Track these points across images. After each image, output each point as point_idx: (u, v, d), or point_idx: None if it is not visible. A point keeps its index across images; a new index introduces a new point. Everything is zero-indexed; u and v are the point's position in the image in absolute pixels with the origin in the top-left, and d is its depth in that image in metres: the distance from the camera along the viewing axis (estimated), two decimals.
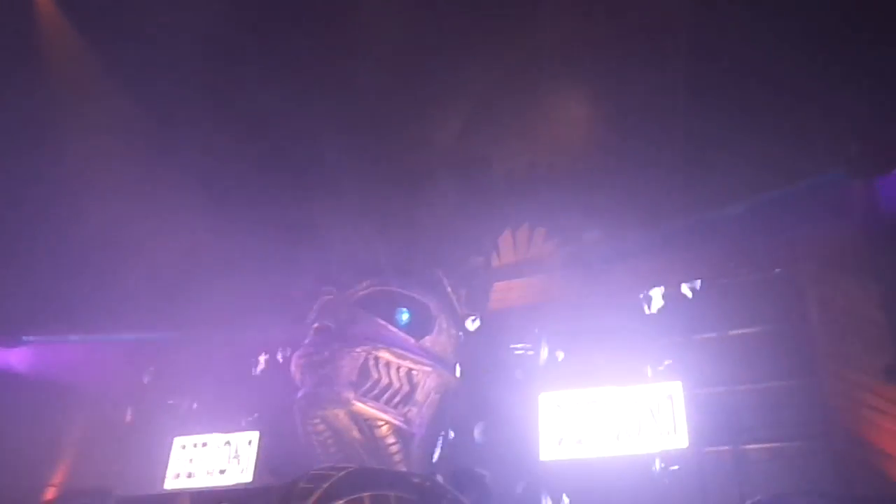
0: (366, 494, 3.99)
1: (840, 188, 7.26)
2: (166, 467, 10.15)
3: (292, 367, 8.91)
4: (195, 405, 10.73)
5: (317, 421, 8.47)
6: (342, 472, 4.15)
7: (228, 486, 9.65)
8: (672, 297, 8.70)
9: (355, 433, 8.51)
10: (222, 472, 10.02)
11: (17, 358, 10.62)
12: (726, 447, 8.06)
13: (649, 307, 8.80)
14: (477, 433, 8.82)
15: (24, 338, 10.59)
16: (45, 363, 10.70)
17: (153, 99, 9.06)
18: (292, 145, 9.32)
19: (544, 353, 8.98)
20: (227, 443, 10.18)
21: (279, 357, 10.39)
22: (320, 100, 8.72)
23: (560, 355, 8.95)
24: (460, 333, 9.31)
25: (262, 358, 10.58)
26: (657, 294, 8.80)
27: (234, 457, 10.08)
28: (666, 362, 8.32)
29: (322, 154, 9.03)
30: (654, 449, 8.05)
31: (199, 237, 9.51)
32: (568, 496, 8.16)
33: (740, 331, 8.32)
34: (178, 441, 10.32)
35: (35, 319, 10.25)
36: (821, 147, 7.11)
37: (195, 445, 10.30)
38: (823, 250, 7.71)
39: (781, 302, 8.11)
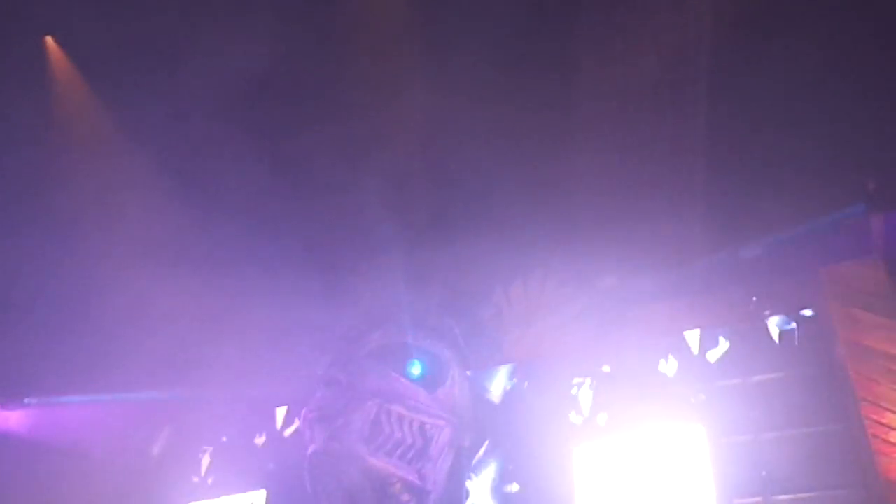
0: None
1: (860, 223, 7.14)
2: None
3: (301, 422, 8.61)
4: (210, 480, 10.40)
5: (328, 479, 8.14)
6: None
7: None
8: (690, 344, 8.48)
9: (368, 492, 8.17)
10: None
11: (17, 420, 10.30)
12: (756, 499, 7.74)
13: (666, 359, 8.59)
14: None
15: (26, 399, 10.25)
16: (48, 426, 10.37)
17: (170, 151, 8.99)
18: (315, 200, 9.20)
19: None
20: None
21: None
22: (354, 151, 8.61)
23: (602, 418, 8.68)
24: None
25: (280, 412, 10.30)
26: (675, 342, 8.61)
27: None
28: (699, 399, 8.03)
29: (349, 208, 8.91)
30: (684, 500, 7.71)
31: (216, 297, 9.31)
32: None
33: (765, 376, 8.07)
34: None
35: (38, 379, 9.95)
36: (838, 183, 7.02)
37: None
38: (848, 288, 7.52)
39: (808, 343, 7.88)
